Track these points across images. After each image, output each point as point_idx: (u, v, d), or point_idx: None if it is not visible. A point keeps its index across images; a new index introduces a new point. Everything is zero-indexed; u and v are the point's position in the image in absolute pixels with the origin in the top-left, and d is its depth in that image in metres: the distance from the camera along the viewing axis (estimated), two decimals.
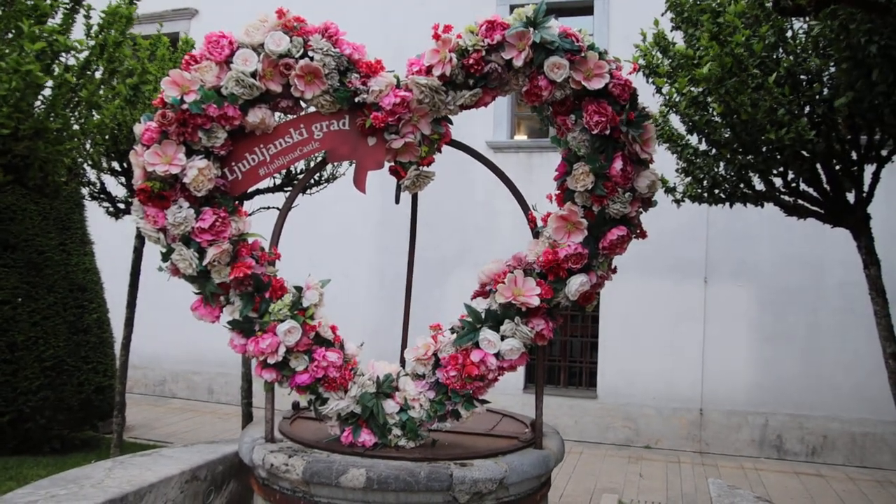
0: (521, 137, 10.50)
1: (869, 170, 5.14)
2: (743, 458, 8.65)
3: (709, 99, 4.97)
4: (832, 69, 4.61)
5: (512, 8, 9.48)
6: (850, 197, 5.16)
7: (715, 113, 4.96)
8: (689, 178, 5.78)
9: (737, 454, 8.79)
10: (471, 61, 2.83)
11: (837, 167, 5.04)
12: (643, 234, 3.06)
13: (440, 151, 3.08)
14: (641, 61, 5.59)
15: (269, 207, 6.94)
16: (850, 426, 8.48)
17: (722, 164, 5.45)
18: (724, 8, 4.62)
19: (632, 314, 9.24)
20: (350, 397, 3.00)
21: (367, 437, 2.98)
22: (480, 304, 3.04)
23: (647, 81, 5.58)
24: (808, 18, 4.63)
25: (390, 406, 3.01)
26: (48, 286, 7.45)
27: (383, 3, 10.48)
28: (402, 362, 3.30)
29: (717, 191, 5.59)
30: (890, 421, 8.05)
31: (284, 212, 3.21)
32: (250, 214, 3.15)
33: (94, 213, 7.88)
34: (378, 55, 3.01)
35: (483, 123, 9.64)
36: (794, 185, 5.31)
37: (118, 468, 3.40)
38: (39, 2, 4.13)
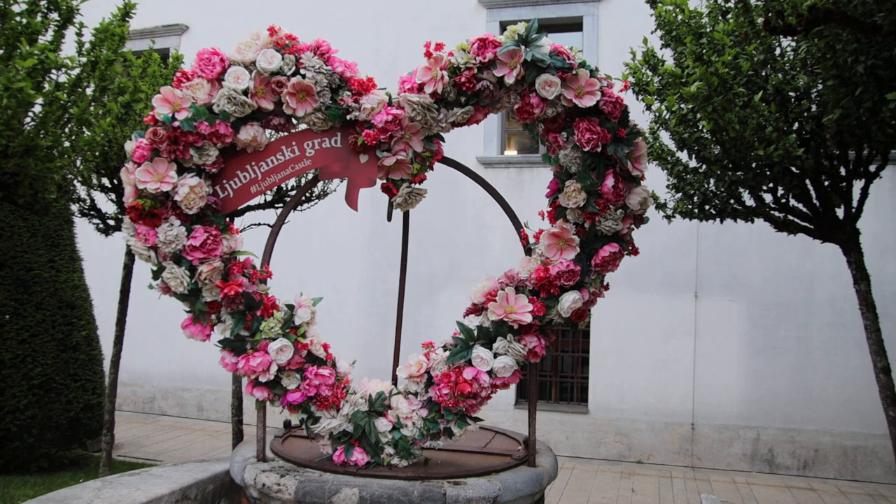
0: (512, 153, 10.54)
1: (857, 185, 5.19)
2: (735, 473, 8.64)
3: (698, 116, 5.00)
4: (820, 87, 4.66)
5: (502, 25, 9.60)
6: (840, 212, 5.20)
7: (704, 130, 5.00)
8: (679, 195, 5.81)
9: (728, 468, 8.79)
10: (462, 79, 2.84)
11: (826, 183, 5.08)
12: (635, 251, 3.07)
13: (432, 169, 3.08)
14: (631, 79, 5.64)
15: (259, 224, 6.93)
16: (842, 440, 8.50)
17: (712, 180, 5.48)
18: (710, 27, 4.67)
19: (623, 329, 9.26)
20: (342, 416, 2.98)
21: (359, 456, 2.96)
22: (472, 322, 3.04)
23: (637, 99, 5.62)
24: (796, 38, 4.68)
25: (383, 424, 3.00)
26: (36, 303, 7.40)
27: (375, 19, 10.51)
28: (395, 380, 3.29)
29: (707, 207, 5.62)
30: (881, 434, 8.07)
31: (276, 229, 3.20)
32: (241, 231, 3.14)
33: (84, 230, 7.86)
34: (370, 73, 3.02)
35: (473, 139, 9.68)
36: (783, 200, 5.34)
37: (107, 488, 3.37)
38: (31, 20, 4.13)
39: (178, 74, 2.91)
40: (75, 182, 6.23)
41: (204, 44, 2.99)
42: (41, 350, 7.31)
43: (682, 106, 5.11)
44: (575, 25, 9.87)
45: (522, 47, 2.79)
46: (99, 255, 9.13)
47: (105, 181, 6.40)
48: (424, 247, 9.40)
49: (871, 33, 3.07)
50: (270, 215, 7.26)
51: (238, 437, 6.96)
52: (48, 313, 7.48)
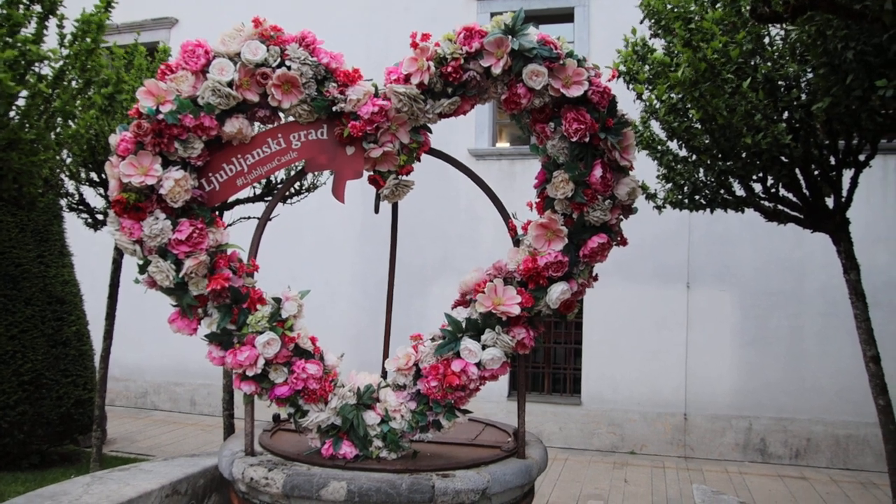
0: (504, 145, 10.52)
1: (847, 174, 5.18)
2: (727, 462, 8.67)
3: (687, 105, 4.99)
4: (809, 75, 4.65)
5: (493, 15, 9.55)
6: (830, 202, 5.20)
7: (694, 119, 4.99)
8: (669, 185, 5.81)
9: (721, 458, 8.81)
10: (449, 69, 2.82)
11: (816, 172, 5.08)
12: (624, 242, 3.06)
13: (419, 160, 3.07)
14: (622, 68, 5.62)
15: (248, 217, 6.89)
16: (834, 429, 8.53)
17: (702, 169, 5.48)
18: (699, 15, 4.65)
19: (615, 320, 9.26)
20: (330, 409, 2.97)
21: (347, 450, 2.95)
22: (461, 314, 3.02)
23: (628, 88, 5.60)
24: (784, 25, 4.66)
25: (371, 417, 2.98)
26: (26, 299, 7.35)
27: (363, 11, 10.46)
28: (384, 373, 3.28)
29: (697, 197, 5.62)
30: (872, 423, 8.08)
31: (263, 222, 3.18)
32: (230, 225, 3.13)
33: (73, 225, 7.80)
34: (359, 65, 3.00)
35: (465, 131, 9.65)
36: (773, 190, 5.34)
37: (96, 483, 3.35)
38: (12, 11, 4.08)
39: (163, 67, 2.89)
40: (63, 176, 6.18)
41: (194, 37, 2.95)
42: (31, 346, 7.27)
43: (672, 95, 5.10)
44: (566, 16, 9.83)
45: (509, 37, 2.77)
46: (89, 249, 9.06)
47: (93, 175, 6.36)
48: (416, 239, 9.38)
49: (856, 20, 3.05)
50: (259, 209, 7.20)
51: (230, 431, 6.95)
52: (38, 309, 7.43)
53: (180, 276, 2.84)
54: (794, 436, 8.66)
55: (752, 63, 4.74)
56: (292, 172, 6.67)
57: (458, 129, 9.11)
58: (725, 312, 8.99)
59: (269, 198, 7.03)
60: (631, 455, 8.99)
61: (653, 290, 9.17)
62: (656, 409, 9.12)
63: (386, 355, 3.43)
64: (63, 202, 6.86)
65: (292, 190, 7.31)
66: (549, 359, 9.80)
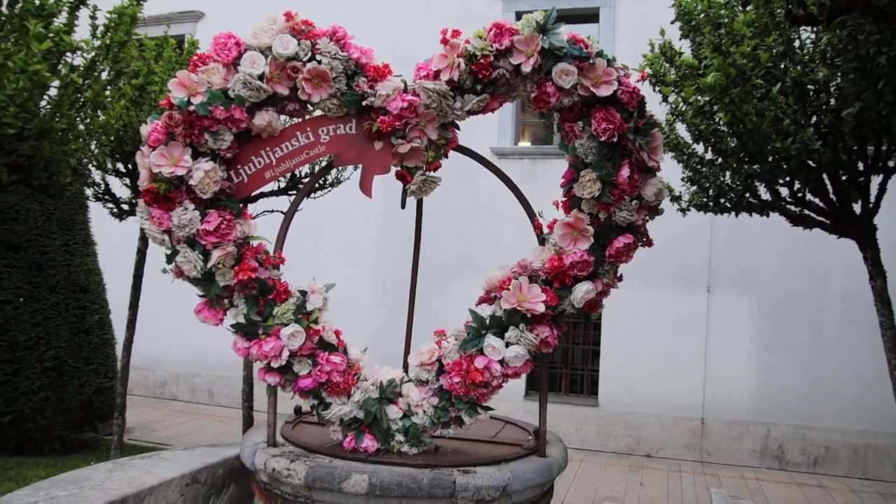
0: (526, 144, 10.50)
1: (875, 180, 5.13)
2: (744, 468, 8.61)
3: (715, 108, 4.96)
4: (839, 79, 4.60)
5: (518, 15, 9.54)
6: (857, 207, 5.14)
7: (721, 122, 4.95)
8: (694, 187, 5.77)
9: (738, 464, 8.76)
10: (479, 66, 2.82)
11: (844, 177, 5.03)
12: (649, 243, 3.05)
13: (447, 157, 3.07)
14: (648, 70, 5.59)
15: (273, 211, 6.93)
16: (852, 437, 8.45)
17: (728, 173, 5.44)
18: (729, 18, 4.61)
19: (634, 322, 9.22)
20: (353, 402, 2.98)
21: (369, 443, 2.96)
22: (485, 311, 3.02)
23: (654, 90, 5.58)
24: (816, 29, 4.62)
25: (393, 412, 2.99)
26: (50, 287, 7.44)
27: (388, 6, 10.48)
28: (406, 368, 3.29)
29: (722, 200, 5.58)
30: (892, 433, 8.03)
31: (289, 215, 3.20)
32: (255, 217, 3.14)
33: (98, 214, 7.89)
34: (383, 61, 3.01)
35: (488, 130, 9.64)
36: (800, 194, 5.30)
37: (118, 470, 3.38)
38: (45, 1, 4.13)
39: (194, 58, 2.90)
40: (90, 166, 6.25)
41: (218, 31, 2.97)
42: (55, 333, 7.36)
43: (699, 98, 5.07)
44: (591, 17, 9.80)
45: (540, 35, 2.77)
46: (113, 239, 9.15)
47: (119, 166, 6.43)
48: (437, 236, 9.37)
49: (890, 24, 3.02)
50: (284, 202, 7.24)
51: (248, 422, 7.00)
52: (62, 297, 7.53)
53: (208, 266, 2.86)
54: (813, 443, 8.59)
55: (782, 66, 4.70)
56: (317, 167, 6.71)
57: (481, 128, 9.08)
58: (745, 317, 8.93)
59: (294, 192, 7.07)
60: (647, 458, 8.96)
61: (673, 292, 9.13)
62: (673, 413, 9.08)
63: (408, 351, 3.44)
64: (89, 192, 6.94)
65: (317, 184, 7.34)
66: (566, 359, 9.78)
